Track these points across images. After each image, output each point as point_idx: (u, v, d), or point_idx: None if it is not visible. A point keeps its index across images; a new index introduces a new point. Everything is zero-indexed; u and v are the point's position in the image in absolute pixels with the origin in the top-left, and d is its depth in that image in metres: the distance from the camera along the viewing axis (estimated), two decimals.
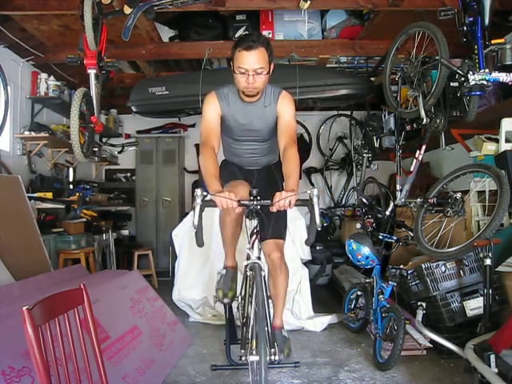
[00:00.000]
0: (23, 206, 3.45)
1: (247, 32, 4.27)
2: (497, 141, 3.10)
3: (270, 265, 2.27)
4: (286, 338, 2.34)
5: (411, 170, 3.24)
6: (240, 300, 2.22)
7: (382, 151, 4.92)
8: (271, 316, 2.05)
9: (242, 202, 1.80)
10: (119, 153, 4.26)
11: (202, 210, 1.70)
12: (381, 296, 2.82)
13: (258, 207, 1.85)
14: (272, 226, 2.16)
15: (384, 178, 5.87)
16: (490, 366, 1.89)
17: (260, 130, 2.20)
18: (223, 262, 2.41)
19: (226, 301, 2.24)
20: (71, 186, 4.90)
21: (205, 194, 1.72)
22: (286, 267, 2.30)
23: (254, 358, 1.65)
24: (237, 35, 4.30)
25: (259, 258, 1.91)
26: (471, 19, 2.72)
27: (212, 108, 2.13)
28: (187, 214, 4.34)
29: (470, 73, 2.64)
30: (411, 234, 3.05)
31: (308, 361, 2.73)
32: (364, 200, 3.84)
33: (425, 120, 3.09)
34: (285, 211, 2.12)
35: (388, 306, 2.72)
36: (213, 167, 1.95)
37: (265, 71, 1.97)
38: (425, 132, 3.23)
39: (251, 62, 1.93)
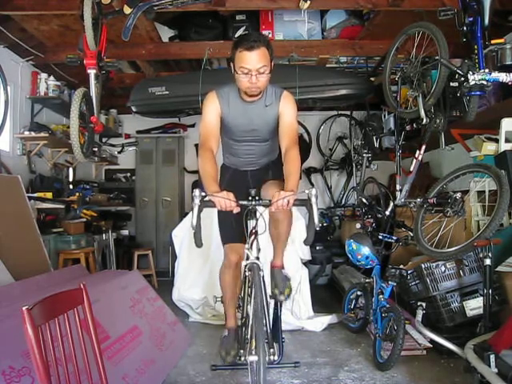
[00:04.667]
0: (23, 206, 3.45)
1: (247, 32, 4.28)
2: (497, 141, 3.11)
3: (273, 220, 2.20)
4: (286, 277, 2.32)
5: (411, 169, 3.24)
6: (239, 300, 2.22)
7: (382, 151, 4.93)
8: (271, 315, 2.06)
9: (240, 203, 1.80)
10: (119, 153, 4.26)
11: (200, 211, 1.70)
12: (381, 296, 2.82)
13: (257, 207, 1.85)
14: (271, 174, 2.18)
15: (384, 178, 5.86)
16: (489, 365, 1.89)
17: (260, 130, 2.19)
18: (225, 325, 2.42)
19: (229, 359, 2.21)
20: (71, 186, 4.90)
21: (203, 194, 1.72)
22: (290, 212, 2.19)
23: (253, 358, 1.65)
24: (237, 35, 4.30)
25: (258, 259, 1.91)
26: (471, 19, 2.72)
27: (212, 108, 2.12)
28: (187, 214, 4.34)
29: (470, 73, 2.64)
30: (411, 233, 3.05)
31: (308, 361, 2.73)
32: (364, 200, 3.83)
33: (425, 120, 3.09)
34: (281, 170, 2.07)
35: (388, 306, 2.72)
36: (211, 169, 1.95)
37: (267, 70, 1.97)
38: (425, 132, 3.23)
39: (254, 62, 1.92)
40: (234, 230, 2.20)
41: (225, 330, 2.39)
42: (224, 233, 2.33)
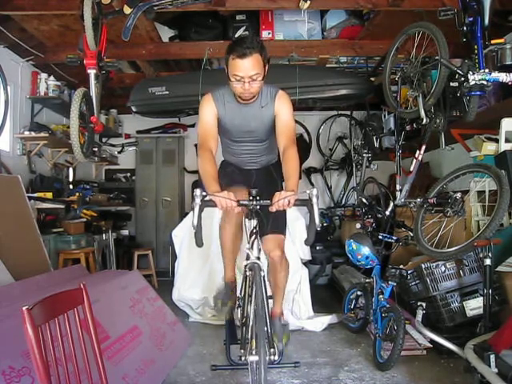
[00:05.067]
0: (23, 206, 3.44)
1: (247, 32, 4.28)
2: (497, 141, 3.11)
3: (271, 263, 2.28)
4: (284, 326, 2.35)
5: (411, 169, 3.24)
6: (239, 300, 2.22)
7: (382, 151, 4.93)
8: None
9: (241, 202, 1.80)
10: (119, 153, 4.27)
11: (201, 210, 1.71)
12: (381, 296, 2.82)
13: (258, 207, 1.85)
14: (271, 222, 2.16)
15: (384, 178, 5.86)
16: (489, 366, 1.89)
17: (257, 131, 2.20)
18: (222, 275, 2.44)
19: (224, 310, 2.25)
20: (71, 186, 4.90)
21: (204, 194, 1.72)
22: (286, 262, 2.32)
23: (253, 358, 1.65)
24: (237, 35, 4.30)
25: (259, 258, 1.91)
26: (471, 19, 2.72)
27: (208, 110, 2.13)
28: (187, 214, 4.34)
29: (470, 73, 2.64)
30: (411, 233, 3.05)
31: (308, 361, 2.73)
32: (364, 200, 3.84)
33: (425, 120, 3.09)
34: (284, 210, 2.12)
35: (388, 306, 2.72)
36: (211, 169, 1.95)
37: (260, 76, 1.96)
38: (425, 132, 3.23)
39: (246, 70, 1.92)
40: (236, 177, 2.26)
41: (222, 283, 2.42)
42: (226, 179, 2.26)
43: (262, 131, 2.19)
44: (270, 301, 2.33)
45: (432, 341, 2.66)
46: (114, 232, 5.22)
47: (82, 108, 3.08)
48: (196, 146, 6.14)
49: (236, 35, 4.30)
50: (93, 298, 1.48)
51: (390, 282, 2.81)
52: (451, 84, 2.84)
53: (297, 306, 3.41)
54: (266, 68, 2.00)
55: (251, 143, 2.26)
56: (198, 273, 3.62)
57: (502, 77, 2.62)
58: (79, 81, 4.74)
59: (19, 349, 1.62)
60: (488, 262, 2.39)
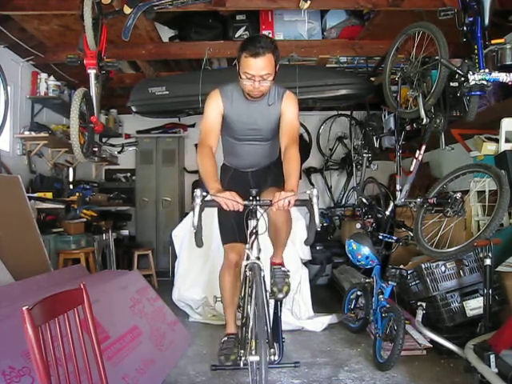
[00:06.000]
0: (23, 206, 3.44)
1: (247, 32, 4.28)
2: (497, 141, 3.11)
3: (272, 223, 2.19)
4: (286, 274, 2.31)
5: (411, 169, 3.24)
6: (240, 300, 2.22)
7: (382, 151, 4.93)
8: (271, 315, 2.05)
9: (241, 202, 1.80)
10: (119, 153, 4.27)
11: (201, 211, 1.70)
12: (381, 296, 2.82)
13: (258, 208, 1.85)
14: (271, 180, 2.17)
15: (384, 178, 5.86)
16: (489, 366, 1.89)
17: (262, 129, 2.19)
18: (225, 330, 2.40)
19: (228, 364, 2.20)
20: (71, 186, 4.90)
21: (204, 194, 1.72)
22: (289, 215, 2.21)
23: (253, 358, 1.65)
24: (237, 35, 4.31)
25: (259, 258, 1.91)
26: (471, 19, 2.72)
27: (214, 106, 2.13)
28: (187, 214, 4.34)
29: (470, 73, 2.64)
30: (411, 233, 3.05)
31: (308, 361, 2.73)
32: (364, 200, 3.83)
33: (425, 120, 3.09)
34: (281, 176, 2.06)
35: (388, 306, 2.72)
36: (211, 166, 1.95)
37: (271, 77, 1.97)
38: (425, 132, 3.23)
39: (258, 69, 1.93)
40: (235, 229, 2.21)
41: (224, 335, 2.37)
42: (224, 233, 2.33)
43: (266, 129, 2.19)
44: (271, 301, 2.34)
45: (432, 341, 2.66)
46: (114, 232, 5.22)
47: (82, 108, 3.08)
48: (196, 145, 6.19)
49: (236, 35, 4.30)
50: (93, 298, 1.48)
51: (390, 282, 2.81)
52: (451, 84, 2.84)
53: (297, 306, 3.41)
54: (277, 68, 2.01)
55: (255, 142, 2.25)
56: (198, 273, 3.62)
57: (502, 77, 2.62)
58: (79, 81, 4.74)
59: (19, 349, 1.62)
60: (488, 262, 2.39)
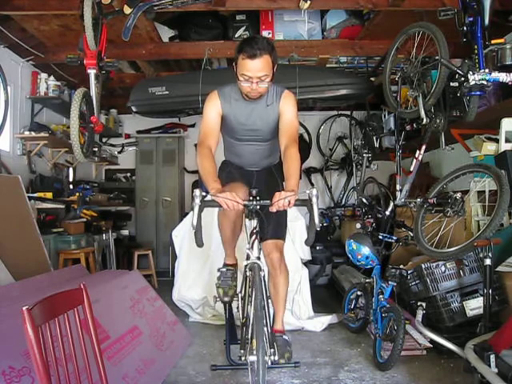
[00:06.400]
0: (23, 206, 3.44)
1: (247, 32, 4.28)
2: (497, 141, 3.11)
3: (270, 265, 2.26)
4: (287, 342, 2.28)
5: (411, 169, 3.23)
6: (240, 300, 2.22)
7: (382, 151, 4.93)
8: (271, 316, 2.05)
9: (241, 202, 1.80)
10: (119, 153, 4.27)
11: (201, 211, 1.71)
12: (381, 296, 2.82)
13: (258, 207, 1.85)
14: (272, 227, 2.16)
15: (384, 178, 5.87)
16: (489, 366, 1.89)
17: (262, 130, 2.20)
18: (223, 260, 2.42)
19: (226, 299, 2.22)
20: (71, 186, 4.90)
21: (204, 194, 1.72)
22: (285, 268, 2.28)
23: (253, 358, 1.65)
24: (237, 35, 4.31)
25: (259, 258, 1.91)
26: (471, 19, 2.72)
27: (213, 108, 2.13)
28: (187, 214, 4.34)
29: (470, 73, 2.64)
30: (411, 233, 3.05)
31: (308, 361, 2.73)
32: (364, 200, 3.84)
33: (425, 120, 3.09)
34: (285, 211, 2.12)
35: (388, 305, 2.72)
36: (210, 166, 1.95)
37: (268, 78, 1.97)
38: (425, 132, 3.23)
39: (255, 70, 1.93)
40: (237, 175, 2.25)
41: (223, 266, 2.37)
42: (226, 177, 2.26)
43: (266, 130, 2.19)
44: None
45: (432, 341, 2.66)
46: (114, 232, 5.22)
47: (82, 108, 3.08)
48: (196, 146, 6.19)
49: (236, 35, 4.31)
50: (93, 298, 1.48)
51: (390, 282, 2.81)
52: (451, 84, 2.83)
53: (297, 306, 3.41)
54: (275, 69, 2.00)
55: (254, 142, 2.25)
56: (198, 273, 3.62)
57: (502, 77, 2.62)
58: (79, 81, 4.74)
59: (19, 349, 1.62)
60: (488, 261, 2.39)
